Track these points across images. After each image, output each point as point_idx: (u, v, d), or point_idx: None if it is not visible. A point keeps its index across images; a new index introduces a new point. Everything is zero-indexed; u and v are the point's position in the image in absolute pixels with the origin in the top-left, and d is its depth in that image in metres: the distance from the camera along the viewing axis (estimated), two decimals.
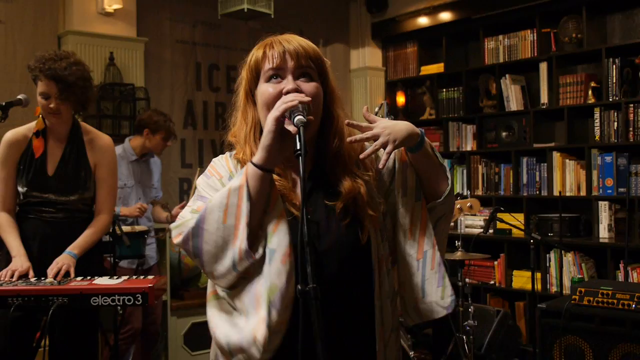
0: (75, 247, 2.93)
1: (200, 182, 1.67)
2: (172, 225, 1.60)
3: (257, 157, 1.51)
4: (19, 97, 3.01)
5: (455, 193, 4.31)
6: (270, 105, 1.56)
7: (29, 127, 3.05)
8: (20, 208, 3.06)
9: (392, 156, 1.69)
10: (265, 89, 1.60)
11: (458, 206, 3.97)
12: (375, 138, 1.58)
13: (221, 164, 1.69)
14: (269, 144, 1.49)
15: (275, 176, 1.58)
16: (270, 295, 1.47)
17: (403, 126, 1.60)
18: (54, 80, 2.89)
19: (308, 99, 1.52)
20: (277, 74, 1.59)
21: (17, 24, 4.74)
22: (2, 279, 2.74)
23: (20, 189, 2.99)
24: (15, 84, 4.56)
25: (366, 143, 1.66)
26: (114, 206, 3.21)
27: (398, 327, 1.73)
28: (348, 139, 1.60)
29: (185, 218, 1.58)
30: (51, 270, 2.80)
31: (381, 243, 1.65)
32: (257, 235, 1.52)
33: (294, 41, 1.61)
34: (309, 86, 1.59)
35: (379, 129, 1.58)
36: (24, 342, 2.90)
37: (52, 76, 2.88)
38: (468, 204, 3.97)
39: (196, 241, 1.53)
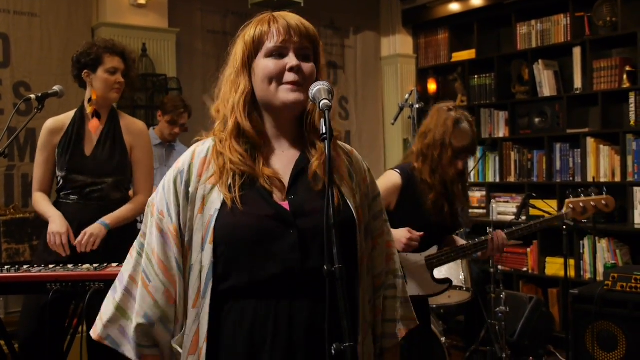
0: (108, 218, 3.04)
1: (166, 176, 1.69)
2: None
3: None
4: (54, 88, 3.10)
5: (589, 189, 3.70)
6: (272, 79, 1.59)
7: (68, 115, 3.17)
8: (58, 193, 3.16)
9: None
10: (266, 64, 1.61)
11: (593, 204, 3.30)
12: None
13: (188, 155, 1.69)
14: None
15: (238, 158, 1.59)
16: None
17: None
18: (120, 56, 3.13)
19: None
20: (280, 51, 1.61)
21: (51, 17, 4.83)
22: (50, 243, 2.92)
23: (59, 172, 3.10)
24: (51, 77, 4.64)
25: None
26: (151, 188, 3.27)
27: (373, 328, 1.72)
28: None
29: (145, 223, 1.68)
30: (80, 240, 2.94)
31: (363, 239, 1.67)
32: None
33: (295, 18, 1.65)
34: (308, 67, 1.62)
35: None
36: (56, 327, 3.01)
37: (119, 52, 3.14)
38: (603, 202, 3.31)
39: None
